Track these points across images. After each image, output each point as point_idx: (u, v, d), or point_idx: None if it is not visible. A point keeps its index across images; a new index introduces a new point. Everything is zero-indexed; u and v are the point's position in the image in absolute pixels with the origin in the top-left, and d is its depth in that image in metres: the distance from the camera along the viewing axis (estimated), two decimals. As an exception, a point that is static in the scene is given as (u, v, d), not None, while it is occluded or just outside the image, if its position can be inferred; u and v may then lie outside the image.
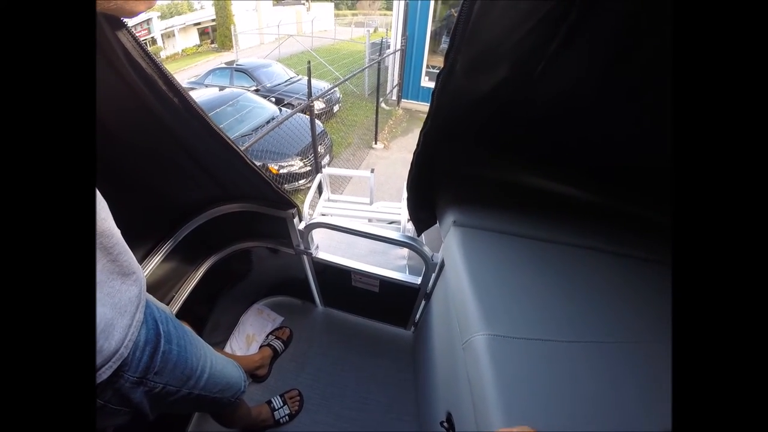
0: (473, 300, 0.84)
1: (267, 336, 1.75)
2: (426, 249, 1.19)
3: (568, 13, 0.69)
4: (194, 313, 1.40)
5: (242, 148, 2.60)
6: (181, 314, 1.19)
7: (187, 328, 0.85)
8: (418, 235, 1.33)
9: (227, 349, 1.71)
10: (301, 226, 1.30)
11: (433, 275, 1.27)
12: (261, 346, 1.70)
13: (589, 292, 0.91)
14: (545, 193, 1.20)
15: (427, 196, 1.21)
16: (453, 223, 1.05)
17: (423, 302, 1.47)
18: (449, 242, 1.04)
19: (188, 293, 1.32)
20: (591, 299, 0.89)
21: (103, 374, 0.57)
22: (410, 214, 1.28)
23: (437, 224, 1.23)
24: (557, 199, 1.19)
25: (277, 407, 1.46)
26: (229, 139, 0.88)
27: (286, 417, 1.45)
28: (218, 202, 1.26)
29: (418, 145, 0.98)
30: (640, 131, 0.97)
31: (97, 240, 0.56)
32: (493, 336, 0.74)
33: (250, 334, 1.76)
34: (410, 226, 2.13)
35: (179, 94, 0.71)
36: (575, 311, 0.85)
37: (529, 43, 0.76)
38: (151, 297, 0.82)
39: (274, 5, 22.69)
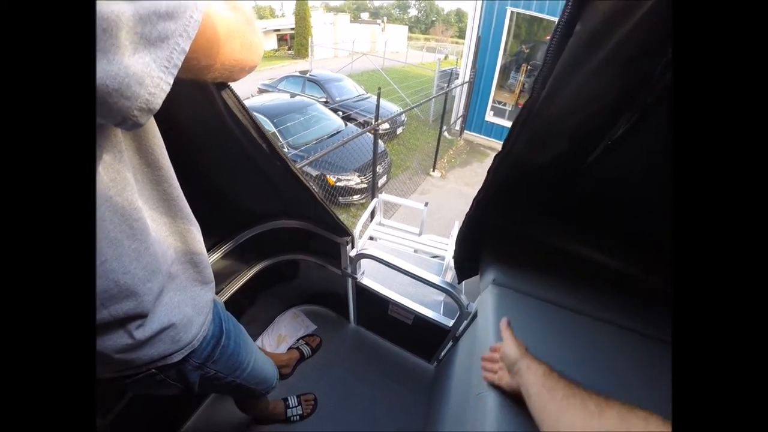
0: None
1: (297, 340, 1.83)
2: (463, 297, 1.23)
3: (629, 105, 0.71)
4: (238, 305, 1.51)
5: (310, 159, 2.71)
6: (226, 304, 1.30)
7: (241, 327, 0.96)
8: (459, 283, 1.37)
9: (258, 343, 1.81)
10: (353, 253, 1.39)
11: (465, 322, 1.30)
12: (290, 348, 1.79)
13: (608, 374, 0.85)
14: (587, 263, 1.15)
15: (473, 248, 1.25)
16: (492, 281, 1.07)
17: (450, 343, 1.50)
18: (485, 297, 1.07)
19: (236, 289, 1.45)
20: (607, 381, 0.83)
21: (175, 358, 0.68)
22: (455, 262, 1.31)
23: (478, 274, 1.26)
24: (598, 271, 1.13)
25: (291, 406, 1.55)
26: (305, 179, 0.99)
27: (297, 417, 1.53)
28: (280, 216, 1.38)
29: (470, 208, 1.03)
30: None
31: (189, 256, 0.69)
32: (502, 396, 0.76)
33: (282, 335, 1.86)
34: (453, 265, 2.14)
35: (267, 141, 0.83)
36: (593, 388, 0.78)
37: (588, 127, 0.79)
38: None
39: (351, 22, 23.68)
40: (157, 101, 0.38)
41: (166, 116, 0.57)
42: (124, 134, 0.49)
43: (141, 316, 0.59)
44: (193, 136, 0.85)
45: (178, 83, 0.68)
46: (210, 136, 0.87)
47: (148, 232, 0.55)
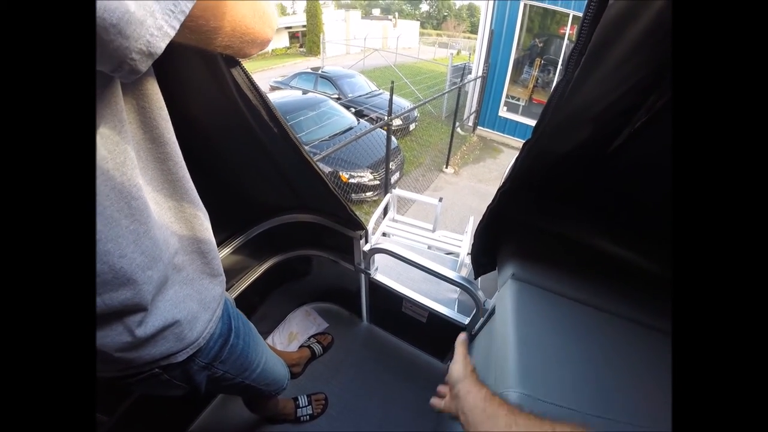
0: (514, 356, 0.83)
1: (309, 338, 1.80)
2: (480, 294, 1.18)
3: (657, 85, 0.67)
4: (248, 302, 1.49)
5: (322, 155, 2.70)
6: (236, 301, 1.28)
7: (251, 325, 0.93)
8: (475, 278, 1.33)
9: (269, 341, 1.79)
10: (366, 248, 1.35)
11: (482, 319, 1.26)
12: (301, 346, 1.76)
13: (631, 372, 0.86)
14: (610, 258, 1.12)
15: (492, 243, 1.21)
16: (512, 275, 1.04)
17: None
18: (504, 293, 1.03)
19: (248, 285, 1.42)
20: (631, 378, 0.84)
21: (179, 357, 0.64)
22: (472, 257, 1.28)
23: (495, 270, 1.22)
24: (622, 266, 1.11)
25: (301, 405, 1.52)
26: (318, 167, 0.95)
27: (307, 416, 1.51)
28: (293, 210, 1.34)
29: (493, 201, 0.99)
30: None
31: (196, 245, 0.65)
32: (525, 395, 0.73)
33: (294, 332, 1.83)
34: (468, 260, 2.12)
35: (279, 125, 0.79)
36: (610, 387, 0.81)
37: (612, 112, 0.75)
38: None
39: (362, 18, 23.67)
40: (159, 45, 0.35)
41: (170, 96, 0.54)
42: (128, 104, 0.46)
43: (140, 308, 0.55)
44: (201, 119, 0.82)
45: (185, 59, 0.65)
46: (219, 119, 0.83)
47: (149, 214, 0.51)
